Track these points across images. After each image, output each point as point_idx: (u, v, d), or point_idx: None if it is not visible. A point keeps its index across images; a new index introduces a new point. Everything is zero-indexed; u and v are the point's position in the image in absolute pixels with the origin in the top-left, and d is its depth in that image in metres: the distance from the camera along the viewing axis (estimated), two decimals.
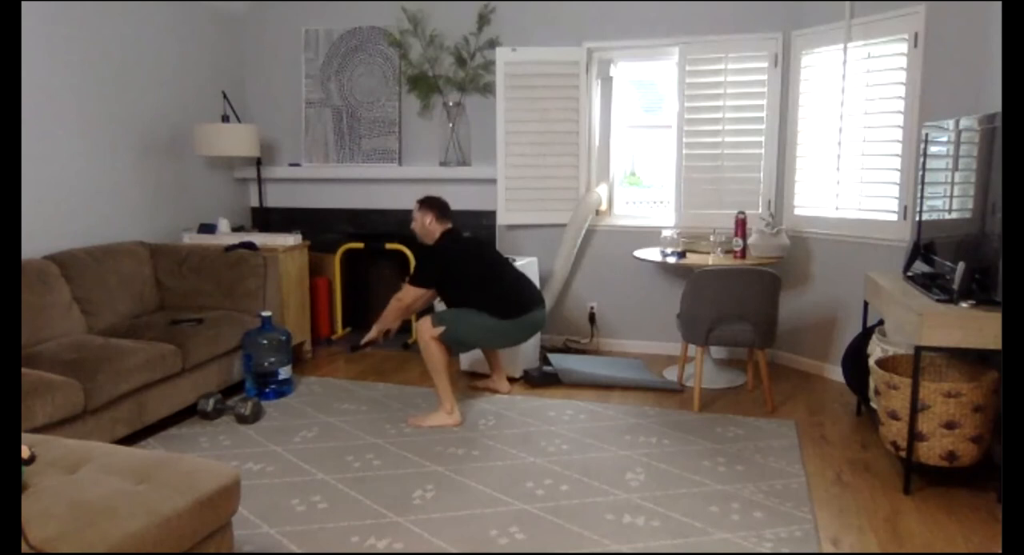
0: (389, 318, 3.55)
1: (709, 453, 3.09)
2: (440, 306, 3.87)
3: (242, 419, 3.41)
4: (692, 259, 3.99)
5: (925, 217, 3.19)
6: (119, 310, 3.71)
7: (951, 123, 2.92)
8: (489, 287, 3.46)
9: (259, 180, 5.09)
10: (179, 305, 4.02)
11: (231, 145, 4.47)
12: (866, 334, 3.45)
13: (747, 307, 3.54)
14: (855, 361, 3.49)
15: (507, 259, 3.70)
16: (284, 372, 3.78)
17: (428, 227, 3.54)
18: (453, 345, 3.46)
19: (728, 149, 4.32)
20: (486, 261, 3.52)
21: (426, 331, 3.39)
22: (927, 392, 2.68)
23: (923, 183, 3.21)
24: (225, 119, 4.72)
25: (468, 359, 4.23)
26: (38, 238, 3.63)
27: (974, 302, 2.59)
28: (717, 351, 4.52)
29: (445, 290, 3.53)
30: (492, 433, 3.32)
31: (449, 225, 3.58)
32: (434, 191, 4.80)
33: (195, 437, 3.28)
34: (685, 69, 4.33)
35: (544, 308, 3.63)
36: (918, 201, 3.25)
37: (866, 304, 3.52)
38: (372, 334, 3.60)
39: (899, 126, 3.64)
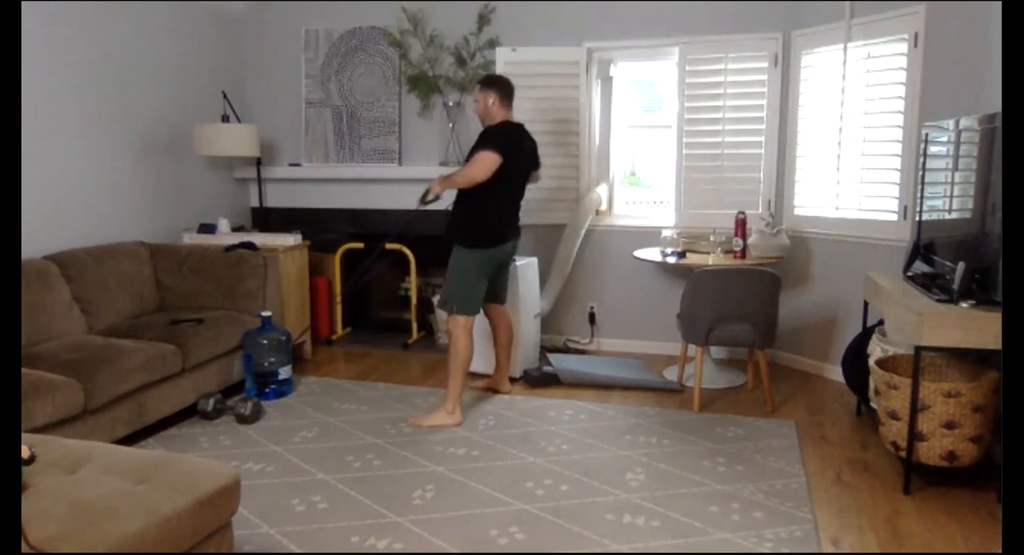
0: (460, 181, 3.32)
1: (709, 453, 3.09)
2: (437, 304, 3.86)
3: (242, 419, 3.41)
4: (692, 259, 3.99)
5: (925, 217, 3.19)
6: (119, 310, 3.71)
7: (951, 123, 2.92)
8: (503, 199, 3.41)
9: (259, 180, 5.09)
10: (179, 305, 4.02)
11: (231, 145, 4.47)
12: (866, 334, 3.44)
13: (747, 307, 3.54)
14: (855, 361, 3.49)
15: (526, 179, 3.60)
16: (284, 372, 3.78)
17: (491, 108, 3.41)
18: (470, 308, 3.43)
19: (728, 149, 4.32)
20: (523, 171, 3.48)
21: (458, 324, 3.40)
22: (927, 392, 2.68)
23: (923, 183, 3.21)
24: (225, 119, 4.72)
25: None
26: (38, 238, 3.63)
27: (974, 302, 2.59)
28: (717, 351, 4.52)
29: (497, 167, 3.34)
30: (492, 433, 3.32)
31: (511, 113, 3.46)
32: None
33: (195, 437, 3.28)
34: (685, 69, 4.33)
35: (518, 239, 3.60)
36: (918, 201, 3.25)
37: (866, 304, 3.52)
38: (439, 188, 3.41)
39: (899, 126, 3.64)
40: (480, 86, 3.45)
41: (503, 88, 3.44)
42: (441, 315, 3.44)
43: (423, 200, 3.50)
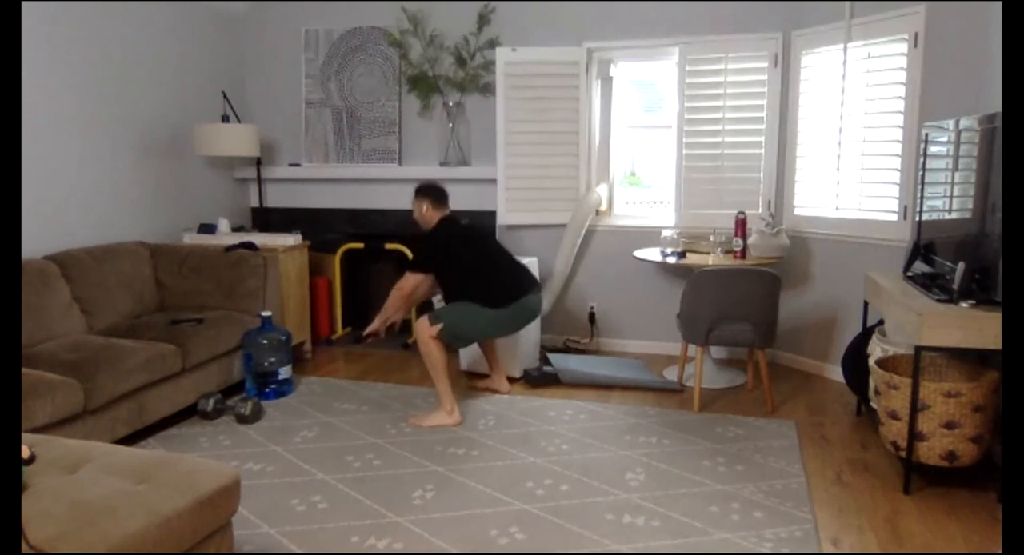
0: (391, 308, 3.56)
1: (709, 453, 3.09)
2: (440, 304, 3.87)
3: (242, 419, 3.41)
4: (692, 259, 3.99)
5: (925, 217, 3.19)
6: (119, 310, 3.71)
7: (951, 123, 2.92)
8: (484, 272, 3.46)
9: (259, 180, 5.09)
10: (179, 305, 4.02)
11: (231, 145, 4.47)
12: (866, 334, 3.44)
13: (747, 307, 3.54)
14: (855, 361, 3.49)
15: (501, 245, 3.67)
16: (284, 372, 3.78)
17: (425, 214, 3.57)
18: (452, 340, 3.46)
19: (728, 149, 4.32)
20: (481, 246, 3.53)
21: (424, 330, 3.40)
22: (927, 392, 2.68)
23: (923, 183, 3.21)
24: (225, 119, 4.72)
25: (468, 359, 4.23)
26: (38, 238, 3.63)
27: (974, 302, 2.59)
28: (717, 351, 4.52)
29: (442, 276, 3.53)
30: (492, 433, 3.32)
31: (446, 212, 3.60)
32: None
33: (195, 437, 3.28)
34: (685, 69, 4.33)
35: (539, 293, 3.64)
36: (918, 201, 3.25)
37: (866, 304, 3.52)
38: (375, 325, 3.59)
39: (899, 126, 3.64)
40: (415, 194, 3.61)
41: (433, 195, 3.58)
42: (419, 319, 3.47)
43: (365, 336, 3.64)
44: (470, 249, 3.50)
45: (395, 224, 4.98)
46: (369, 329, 3.60)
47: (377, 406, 3.67)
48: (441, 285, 3.60)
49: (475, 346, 3.99)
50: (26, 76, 3.54)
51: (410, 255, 4.77)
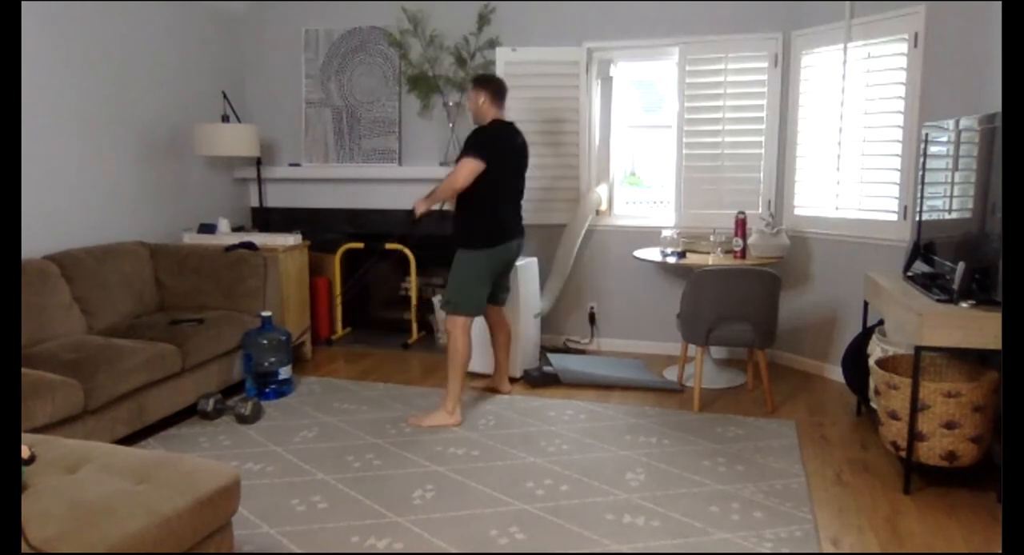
0: (441, 195, 3.38)
1: (709, 453, 3.09)
2: (438, 306, 3.86)
3: (242, 419, 3.41)
4: (692, 259, 3.99)
5: (925, 217, 3.19)
6: (119, 310, 3.71)
7: (951, 123, 2.92)
8: (503, 198, 3.42)
9: (259, 180, 5.09)
10: (179, 305, 4.02)
11: (231, 145, 4.47)
12: (866, 334, 3.44)
13: (747, 307, 3.53)
14: (855, 361, 3.49)
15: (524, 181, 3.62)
16: (284, 372, 3.78)
17: (481, 107, 3.44)
18: (471, 310, 3.43)
19: (728, 149, 4.32)
20: (519, 169, 3.50)
21: (457, 325, 3.40)
22: (927, 392, 2.68)
23: (923, 183, 3.21)
24: (225, 119, 4.72)
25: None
26: (38, 238, 3.63)
27: (974, 302, 2.59)
28: (717, 351, 4.52)
29: (479, 178, 3.34)
30: (492, 433, 3.32)
31: (502, 112, 3.48)
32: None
33: (195, 437, 3.28)
34: (685, 69, 4.33)
35: (523, 238, 3.60)
36: (918, 201, 3.25)
37: (866, 304, 3.52)
38: (423, 206, 3.44)
39: (899, 126, 3.64)
40: (472, 85, 3.47)
41: (495, 87, 3.46)
42: (441, 315, 3.44)
43: (411, 221, 3.56)
44: (511, 166, 3.42)
45: (395, 224, 4.98)
46: (420, 209, 3.44)
47: (377, 406, 3.67)
48: (460, 197, 3.42)
49: (485, 344, 3.97)
50: (26, 76, 3.54)
51: (410, 255, 4.78)
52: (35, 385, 2.66)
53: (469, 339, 3.45)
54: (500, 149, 3.38)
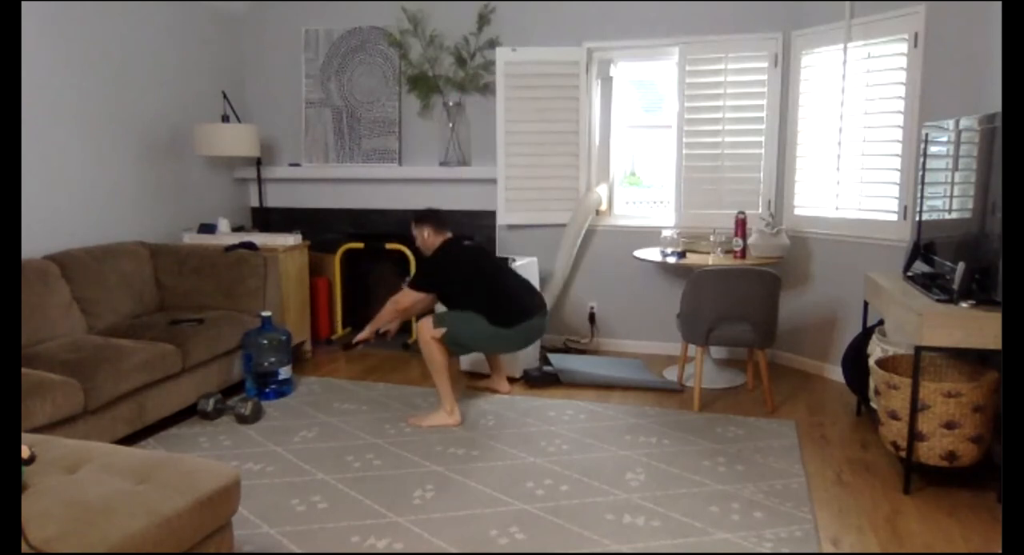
0: (384, 318, 3.56)
1: (709, 453, 3.09)
2: (440, 307, 3.87)
3: (242, 419, 3.41)
4: (692, 259, 3.99)
5: (925, 217, 3.19)
6: (119, 310, 3.71)
7: (951, 123, 2.92)
8: (489, 295, 3.45)
9: (259, 180, 5.09)
10: (179, 305, 4.02)
11: (231, 145, 4.47)
12: (866, 334, 3.44)
13: (747, 307, 3.53)
14: (855, 361, 3.49)
15: (507, 265, 3.70)
16: (284, 372, 3.78)
17: (428, 240, 3.59)
18: (454, 348, 3.45)
19: (728, 149, 4.32)
20: (486, 269, 3.53)
21: (426, 331, 3.40)
22: (927, 392, 2.68)
23: (923, 183, 3.21)
24: (225, 119, 4.72)
25: (468, 359, 4.23)
26: (38, 238, 3.63)
27: (974, 302, 2.59)
28: (717, 351, 4.52)
29: (445, 298, 3.56)
30: (492, 433, 3.32)
31: (448, 234, 3.61)
32: (434, 191, 4.81)
33: (195, 437, 3.28)
34: (685, 69, 4.33)
35: (546, 314, 3.62)
36: (918, 201, 3.25)
37: (866, 304, 3.52)
38: (364, 333, 3.60)
39: (899, 126, 3.64)
40: (414, 224, 3.62)
41: (433, 219, 3.60)
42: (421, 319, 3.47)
43: (354, 343, 3.64)
44: (476, 270, 3.49)
45: (395, 224, 4.98)
46: (359, 336, 3.61)
47: (377, 406, 3.67)
48: (444, 303, 3.60)
49: None
50: (26, 76, 3.54)
51: (410, 255, 4.78)
52: (35, 385, 2.66)
53: (441, 343, 3.42)
54: (451, 270, 3.48)
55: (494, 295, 3.46)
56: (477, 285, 3.46)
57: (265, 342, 3.70)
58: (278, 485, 2.79)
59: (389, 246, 4.82)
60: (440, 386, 3.42)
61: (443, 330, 3.38)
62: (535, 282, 4.27)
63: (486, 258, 3.60)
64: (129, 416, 3.11)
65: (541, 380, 4.01)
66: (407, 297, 3.48)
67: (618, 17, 4.47)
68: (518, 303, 3.49)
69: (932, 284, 2.92)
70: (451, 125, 4.78)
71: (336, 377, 4.16)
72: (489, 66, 4.67)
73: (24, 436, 2.11)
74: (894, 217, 3.70)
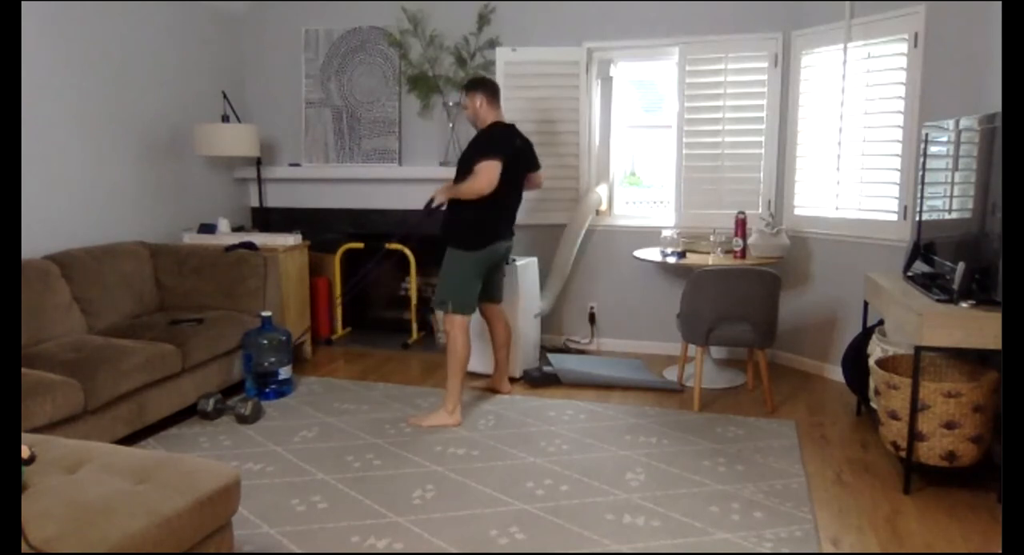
0: (465, 193, 3.30)
1: (709, 453, 3.09)
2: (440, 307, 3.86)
3: (242, 419, 3.41)
4: (692, 259, 3.99)
5: (925, 217, 3.19)
6: (119, 310, 3.71)
7: (951, 123, 2.92)
8: (500, 201, 3.38)
9: (259, 180, 5.09)
10: (179, 305, 4.02)
11: (231, 145, 4.47)
12: (866, 334, 3.44)
13: (747, 307, 3.53)
14: (855, 361, 3.49)
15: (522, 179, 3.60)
16: (284, 372, 3.78)
17: (480, 110, 3.43)
18: (465, 308, 3.44)
19: (728, 149, 4.32)
20: (520, 170, 3.49)
21: (455, 324, 3.41)
22: (927, 392, 2.68)
23: (923, 183, 3.21)
24: (225, 119, 4.72)
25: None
26: (38, 238, 3.63)
27: (974, 302, 2.59)
28: (717, 351, 4.52)
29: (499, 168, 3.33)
30: (492, 433, 3.32)
31: (501, 114, 3.48)
32: (434, 191, 4.79)
33: (195, 437, 3.28)
34: (685, 69, 4.33)
35: (511, 239, 3.61)
36: (918, 201, 3.25)
37: (866, 304, 3.52)
38: (442, 197, 3.41)
39: (899, 126, 3.64)
40: (465, 90, 3.47)
41: (489, 88, 3.46)
42: (440, 314, 3.45)
43: (427, 208, 3.51)
44: (512, 169, 3.38)
45: (395, 224, 4.98)
46: (439, 199, 3.40)
47: (377, 406, 3.67)
48: (458, 176, 3.42)
49: (486, 344, 3.98)
50: (26, 76, 3.54)
51: (410, 255, 4.78)
52: (35, 385, 2.66)
53: (468, 338, 3.45)
54: (508, 150, 3.37)
55: (502, 205, 3.42)
56: (504, 182, 3.30)
57: (265, 342, 3.70)
58: (278, 485, 2.79)
59: (389, 246, 4.82)
60: (452, 382, 3.41)
61: (462, 316, 3.39)
62: (535, 282, 4.27)
63: (523, 160, 3.50)
64: (129, 416, 3.11)
65: (541, 380, 4.01)
66: (486, 172, 3.20)
67: (618, 17, 4.46)
68: (504, 223, 3.50)
69: (932, 284, 2.92)
70: (451, 125, 4.78)
71: (336, 377, 4.16)
72: (489, 66, 4.66)
73: (24, 436, 2.11)
74: (894, 217, 3.70)
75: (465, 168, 3.36)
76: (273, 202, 5.21)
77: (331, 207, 5.10)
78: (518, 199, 3.59)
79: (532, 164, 3.62)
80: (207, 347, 3.52)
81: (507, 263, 3.83)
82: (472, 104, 3.44)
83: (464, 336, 3.43)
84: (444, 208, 3.48)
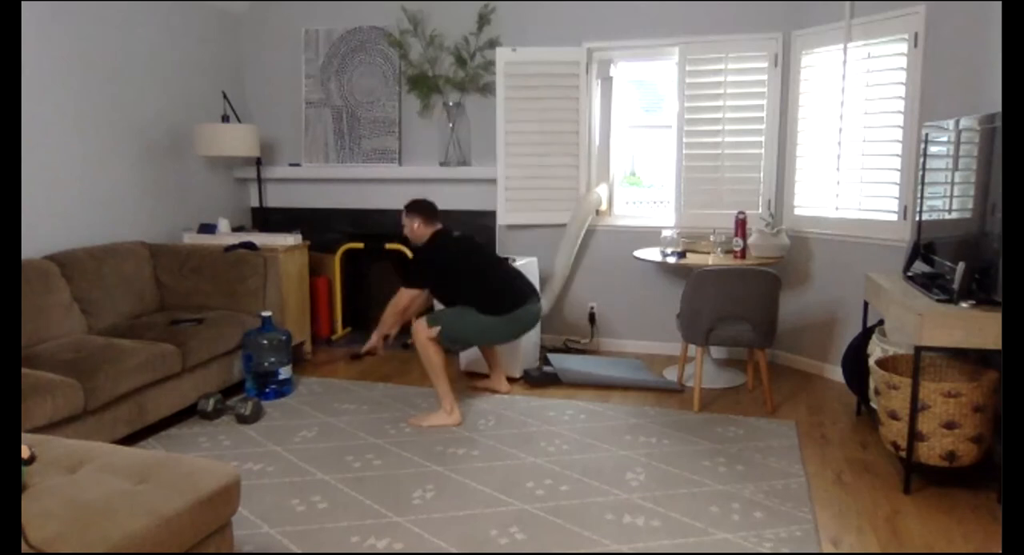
0: (387, 323, 3.58)
1: (709, 453, 3.09)
2: (438, 305, 3.87)
3: (242, 419, 3.41)
4: (692, 259, 3.99)
5: (925, 217, 3.19)
6: (119, 310, 3.71)
7: (951, 123, 2.92)
8: (481, 283, 3.47)
9: (259, 180, 5.09)
10: (179, 305, 4.02)
11: (231, 145, 4.47)
12: (866, 334, 3.44)
13: (747, 307, 3.53)
14: (855, 361, 3.49)
15: (498, 256, 3.71)
16: (284, 372, 3.78)
17: (417, 231, 3.59)
18: (450, 344, 3.47)
19: (728, 149, 4.32)
20: (477, 258, 3.54)
21: (422, 332, 3.41)
22: (927, 392, 2.68)
23: (923, 183, 3.21)
24: (225, 119, 4.72)
25: (467, 359, 4.23)
26: (38, 238, 3.63)
27: (974, 302, 2.59)
28: (717, 351, 4.52)
29: (438, 290, 3.57)
30: (492, 433, 3.32)
31: (438, 226, 3.60)
32: (434, 191, 4.80)
33: (195, 437, 3.28)
34: (685, 69, 4.33)
35: (539, 302, 3.63)
36: (918, 201, 3.25)
37: (866, 304, 3.52)
38: (372, 341, 3.63)
39: (899, 126, 3.64)
40: (405, 212, 3.62)
41: (423, 210, 3.59)
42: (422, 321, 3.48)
43: (363, 353, 3.71)
44: (466, 261, 3.50)
45: (395, 224, 4.96)
46: (367, 346, 3.63)
47: (377, 406, 3.67)
48: (438, 298, 3.63)
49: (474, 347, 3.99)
50: (26, 76, 3.54)
51: (411, 256, 4.77)
52: (35, 385, 2.66)
53: (438, 344, 3.44)
54: (442, 261, 3.48)
55: (487, 284, 3.47)
56: (469, 276, 3.47)
57: (265, 342, 3.70)
58: (278, 485, 2.79)
59: (389, 246, 4.82)
60: (438, 386, 3.42)
61: (437, 329, 3.39)
62: (535, 282, 4.27)
63: (476, 248, 3.60)
64: (129, 416, 3.11)
65: (541, 380, 4.01)
66: (403, 296, 3.49)
67: (618, 17, 4.46)
68: (509, 290, 3.50)
69: (932, 284, 2.92)
70: (451, 125, 4.78)
71: (336, 377, 4.16)
72: (489, 66, 4.67)
73: (24, 436, 2.11)
74: (894, 217, 3.70)
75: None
76: (273, 202, 5.21)
77: (331, 207, 5.10)
78: (503, 268, 3.60)
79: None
80: (207, 347, 3.52)
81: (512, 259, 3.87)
82: (411, 226, 3.59)
83: (431, 343, 3.42)
84: (381, 350, 3.70)
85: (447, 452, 3.10)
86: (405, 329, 4.95)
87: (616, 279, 4.70)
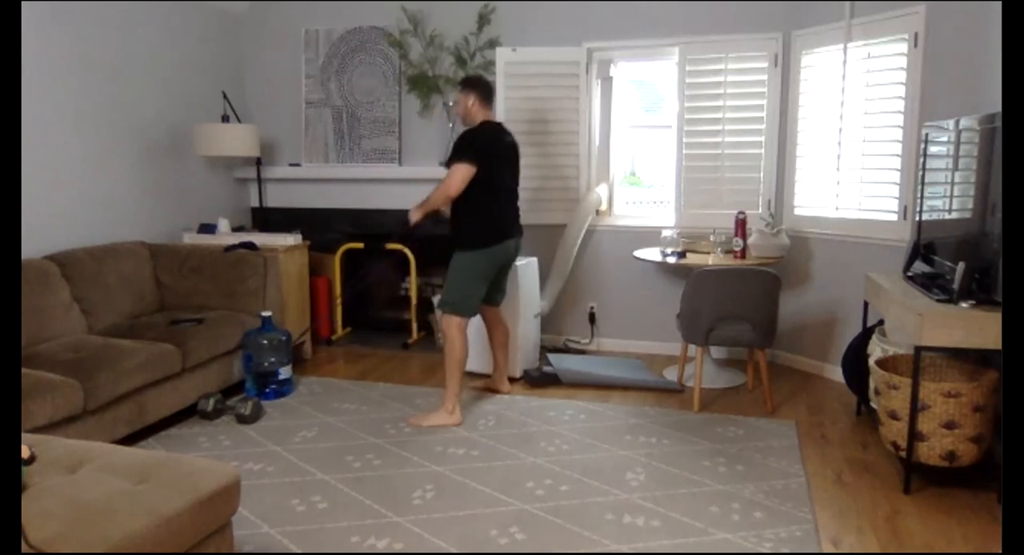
0: (435, 202, 3.40)
1: (709, 453, 3.09)
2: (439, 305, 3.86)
3: (242, 419, 3.41)
4: (692, 259, 3.99)
5: (925, 217, 3.19)
6: (119, 310, 3.71)
7: (951, 123, 2.92)
8: (498, 199, 3.41)
9: (259, 180, 5.09)
10: (179, 305, 4.02)
11: (231, 145, 4.47)
12: (866, 334, 3.44)
13: (747, 307, 3.53)
14: (855, 361, 3.49)
15: (518, 178, 3.62)
16: (284, 372, 3.78)
17: (471, 109, 3.44)
18: (468, 311, 3.44)
19: (728, 149, 4.32)
20: (511, 169, 3.50)
21: (452, 325, 3.41)
22: (927, 392, 2.68)
23: (923, 183, 3.21)
24: (225, 119, 4.72)
25: (467, 359, 4.22)
26: (38, 238, 3.63)
27: (974, 302, 2.59)
28: (717, 351, 4.52)
29: (472, 182, 3.36)
30: (492, 433, 3.32)
31: (492, 114, 3.48)
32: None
33: (195, 437, 3.28)
34: (685, 69, 4.33)
35: (520, 238, 3.59)
36: (918, 201, 3.25)
37: (866, 304, 3.52)
38: (417, 215, 3.48)
39: (899, 126, 3.64)
40: (461, 87, 3.48)
41: (483, 88, 3.46)
42: (440, 314, 3.46)
43: (406, 228, 3.59)
44: (504, 167, 3.42)
45: (395, 224, 4.97)
46: (414, 218, 3.49)
47: (377, 406, 3.67)
48: (456, 200, 3.42)
49: (485, 343, 3.98)
50: (26, 76, 3.54)
51: (410, 255, 4.78)
52: (35, 385, 2.66)
53: (465, 338, 3.45)
54: (491, 151, 3.38)
55: (501, 202, 3.43)
56: (498, 183, 3.37)
57: (265, 342, 3.70)
58: (278, 485, 2.79)
59: (389, 246, 4.82)
60: (451, 382, 3.41)
61: (461, 318, 3.39)
62: (535, 282, 4.27)
63: (517, 158, 3.53)
64: (129, 416, 3.11)
65: (541, 380, 4.01)
66: (459, 173, 3.26)
67: (618, 17, 4.46)
68: (508, 219, 3.50)
69: (932, 284, 2.92)
70: (451, 125, 4.78)
71: (336, 377, 4.16)
72: (489, 66, 4.66)
73: (24, 436, 2.11)
74: (894, 217, 3.70)
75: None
76: (273, 202, 5.21)
77: (331, 207, 5.10)
78: (514, 196, 3.59)
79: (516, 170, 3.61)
80: (207, 347, 3.52)
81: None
82: (464, 102, 3.45)
83: (461, 337, 3.43)
84: (422, 223, 3.55)
85: (447, 452, 3.10)
86: (403, 328, 4.98)
87: (616, 279, 4.70)
